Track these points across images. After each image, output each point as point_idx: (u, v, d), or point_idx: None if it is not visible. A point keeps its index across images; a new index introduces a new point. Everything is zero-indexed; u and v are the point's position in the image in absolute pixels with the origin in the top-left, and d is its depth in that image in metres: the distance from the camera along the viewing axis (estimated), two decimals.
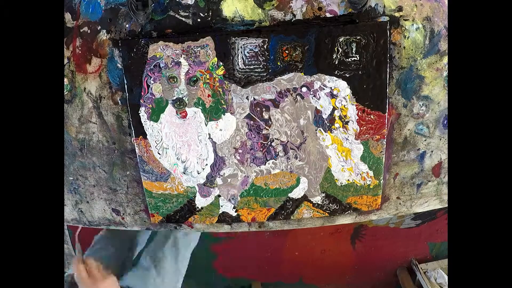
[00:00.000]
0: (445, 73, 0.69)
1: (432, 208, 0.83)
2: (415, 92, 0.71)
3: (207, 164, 0.76)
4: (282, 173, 0.76)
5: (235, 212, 0.80)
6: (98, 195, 0.82)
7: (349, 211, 0.80)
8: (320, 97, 0.70)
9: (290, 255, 1.79)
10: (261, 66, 0.69)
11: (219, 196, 0.79)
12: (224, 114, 0.72)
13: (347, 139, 0.73)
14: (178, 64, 0.69)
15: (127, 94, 0.72)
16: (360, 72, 0.68)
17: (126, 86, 0.71)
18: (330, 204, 0.79)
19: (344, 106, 0.71)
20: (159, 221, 0.82)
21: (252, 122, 0.72)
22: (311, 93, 0.70)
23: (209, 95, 0.71)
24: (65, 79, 0.72)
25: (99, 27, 0.69)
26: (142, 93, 0.71)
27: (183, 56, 0.69)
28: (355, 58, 0.67)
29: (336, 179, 0.76)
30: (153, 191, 0.79)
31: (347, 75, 0.69)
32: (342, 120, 0.72)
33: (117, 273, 0.91)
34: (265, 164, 0.76)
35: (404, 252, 1.81)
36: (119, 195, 0.82)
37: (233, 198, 0.79)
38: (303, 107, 0.71)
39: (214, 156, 0.75)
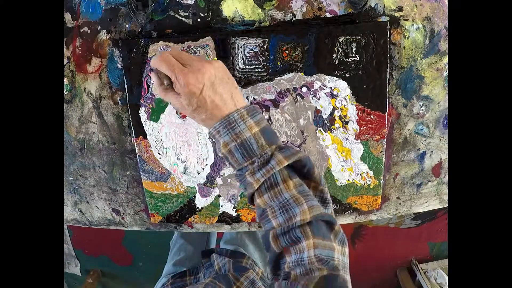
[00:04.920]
0: (445, 73, 0.69)
1: (432, 208, 0.83)
2: (415, 92, 0.71)
3: (207, 164, 0.76)
4: None
5: (235, 212, 0.80)
6: (98, 195, 0.82)
7: (349, 211, 0.80)
8: (320, 97, 0.70)
9: None
10: (261, 66, 0.69)
11: (219, 196, 0.79)
12: None
13: (347, 139, 0.73)
14: None
15: (127, 94, 0.72)
16: (360, 72, 0.68)
17: (126, 86, 0.71)
18: None
19: (344, 106, 0.71)
20: (159, 221, 0.82)
21: None
22: (311, 93, 0.70)
23: None
24: (65, 79, 0.72)
25: (99, 27, 0.69)
26: (142, 93, 0.71)
27: None
28: (355, 58, 0.67)
29: (336, 179, 0.76)
30: (153, 191, 0.79)
31: (347, 75, 0.69)
32: (342, 120, 0.72)
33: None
34: None
35: (404, 252, 1.82)
36: (119, 195, 0.82)
37: (233, 198, 0.79)
38: (303, 107, 0.71)
39: (214, 156, 0.75)
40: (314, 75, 0.69)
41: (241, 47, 0.68)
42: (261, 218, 0.48)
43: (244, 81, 0.70)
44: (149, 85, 0.71)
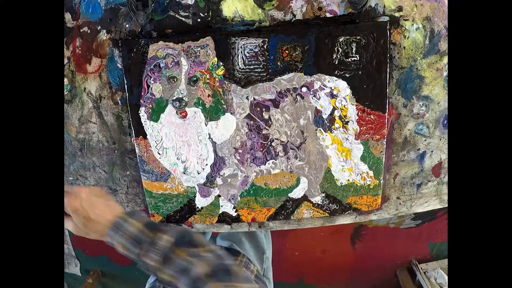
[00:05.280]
0: (445, 73, 0.69)
1: (432, 208, 0.83)
2: (415, 92, 0.71)
3: (207, 164, 0.76)
4: (282, 173, 0.76)
5: (235, 212, 0.80)
6: None
7: (349, 211, 0.80)
8: (320, 97, 0.70)
9: (290, 255, 1.79)
10: (261, 66, 0.69)
11: (219, 196, 0.79)
12: (224, 114, 0.72)
13: (347, 139, 0.73)
14: (178, 64, 0.69)
15: (127, 94, 0.72)
16: (360, 72, 0.68)
17: (126, 86, 0.71)
18: (330, 204, 0.79)
19: (344, 106, 0.71)
20: (159, 221, 0.82)
21: (252, 122, 0.72)
22: (311, 93, 0.70)
23: (209, 95, 0.71)
24: (65, 79, 0.72)
25: (99, 27, 0.69)
26: (142, 93, 0.71)
27: (183, 56, 0.69)
28: (355, 58, 0.67)
29: (336, 179, 0.76)
30: (153, 191, 0.79)
31: (347, 75, 0.69)
32: (342, 120, 0.72)
33: None
34: (265, 164, 0.76)
35: (404, 252, 1.81)
36: (119, 195, 0.82)
37: (233, 198, 0.79)
38: (303, 107, 0.71)
39: (214, 156, 0.75)
40: (314, 75, 0.69)
41: (241, 47, 0.68)
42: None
43: (244, 81, 0.70)
44: (149, 85, 0.71)
